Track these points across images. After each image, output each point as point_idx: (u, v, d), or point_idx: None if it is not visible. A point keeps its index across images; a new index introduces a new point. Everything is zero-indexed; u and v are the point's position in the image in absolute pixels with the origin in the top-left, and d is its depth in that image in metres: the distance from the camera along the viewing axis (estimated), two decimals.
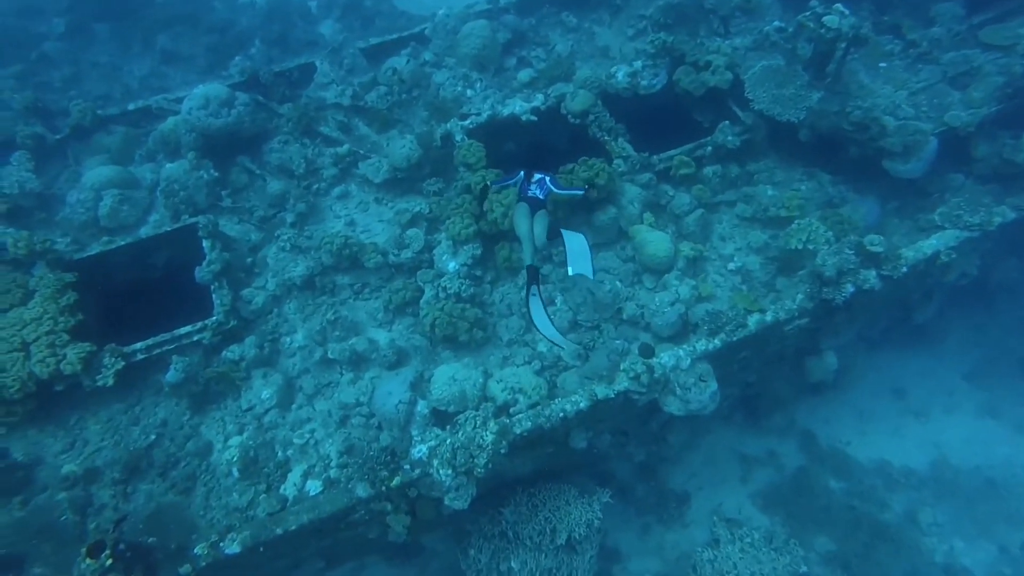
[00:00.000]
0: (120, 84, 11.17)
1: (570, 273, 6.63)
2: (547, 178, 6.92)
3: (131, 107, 8.80)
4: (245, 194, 8.33)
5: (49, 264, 7.01)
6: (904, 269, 6.51)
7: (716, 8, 9.08)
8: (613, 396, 6.32)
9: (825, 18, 7.15)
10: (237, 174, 8.37)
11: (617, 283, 7.32)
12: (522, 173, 7.00)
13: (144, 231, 7.82)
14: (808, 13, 7.41)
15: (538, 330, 6.40)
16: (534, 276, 6.44)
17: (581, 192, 7.20)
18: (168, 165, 8.12)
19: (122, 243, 7.58)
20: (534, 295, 6.41)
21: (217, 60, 11.11)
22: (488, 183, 7.34)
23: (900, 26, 8.93)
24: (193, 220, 7.63)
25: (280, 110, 8.69)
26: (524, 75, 9.13)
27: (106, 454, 6.21)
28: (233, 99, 8.18)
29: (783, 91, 7.77)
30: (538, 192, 6.82)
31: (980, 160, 7.62)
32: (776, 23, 8.63)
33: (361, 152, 8.42)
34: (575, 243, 6.73)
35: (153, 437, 6.45)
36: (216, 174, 8.10)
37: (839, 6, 7.27)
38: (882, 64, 8.27)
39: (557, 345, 6.55)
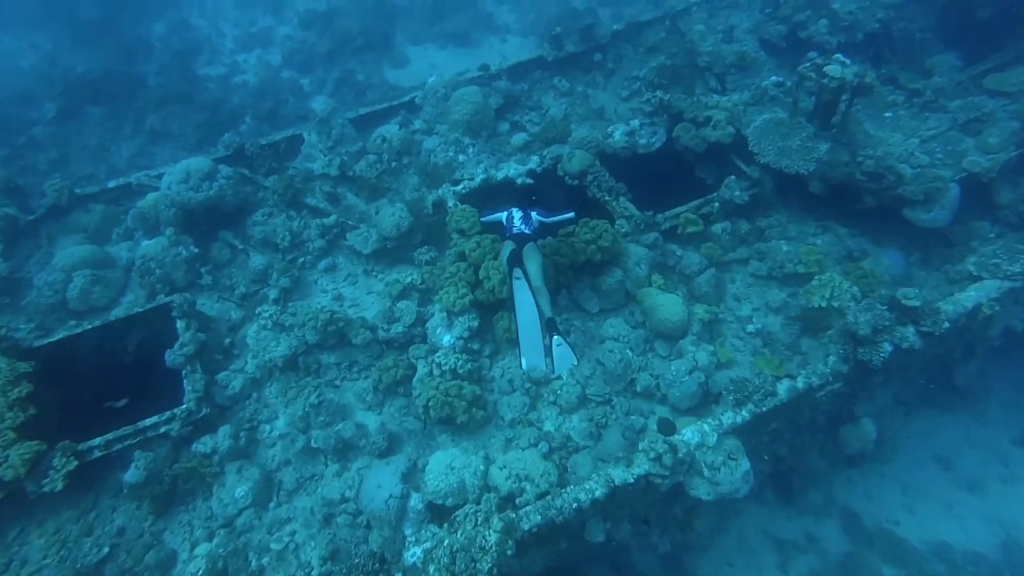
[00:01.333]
0: (107, 164, 10.97)
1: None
2: (533, 212, 6.73)
3: (111, 184, 8.48)
4: (227, 270, 7.86)
5: (3, 352, 6.39)
6: (946, 324, 5.90)
7: (711, 66, 8.96)
8: (632, 481, 5.56)
9: (827, 67, 6.91)
10: (219, 250, 7.93)
11: (628, 352, 6.68)
12: (505, 214, 6.82)
13: (116, 313, 7.28)
14: (808, 64, 7.19)
15: (514, 317, 6.07)
16: (517, 258, 6.10)
17: (572, 215, 6.92)
18: (144, 242, 7.70)
19: (89, 326, 7.00)
20: (519, 279, 6.02)
21: (206, 137, 10.97)
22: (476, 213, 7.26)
23: (897, 78, 8.80)
24: (167, 299, 7.10)
25: (265, 182, 8.35)
26: (518, 139, 8.89)
27: (47, 575, 5.36)
28: (215, 172, 7.86)
29: (789, 143, 7.45)
30: (524, 228, 6.57)
31: (1006, 207, 7.19)
32: (774, 78, 8.47)
33: (349, 222, 8.01)
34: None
35: (107, 550, 5.63)
36: (196, 250, 7.67)
37: (839, 56, 7.05)
38: (887, 114, 8.02)
39: (518, 350, 6.14)
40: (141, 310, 7.14)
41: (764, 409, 5.90)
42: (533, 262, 6.27)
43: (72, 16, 13.94)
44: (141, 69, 12.93)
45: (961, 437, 8.02)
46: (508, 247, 6.44)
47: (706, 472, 5.66)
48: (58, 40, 13.99)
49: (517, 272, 6.08)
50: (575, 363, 6.12)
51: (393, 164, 8.55)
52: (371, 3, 14.04)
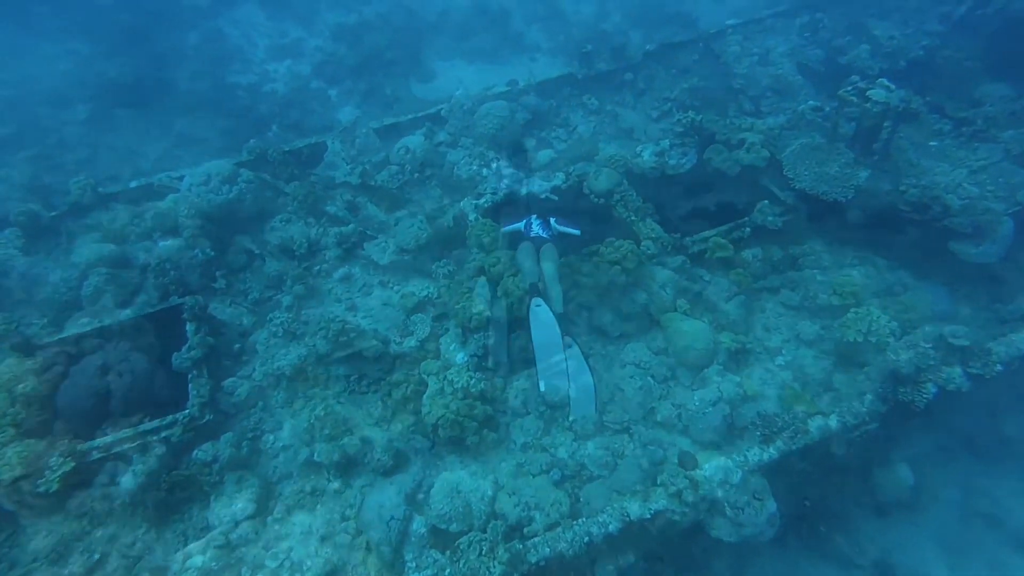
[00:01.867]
0: (132, 166, 11.02)
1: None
2: (552, 219, 7.04)
3: (133, 184, 8.47)
4: (242, 275, 7.73)
5: (13, 348, 6.30)
6: (998, 367, 5.47)
7: (745, 88, 8.71)
8: (649, 516, 5.21)
9: (870, 92, 6.61)
10: (235, 254, 7.81)
11: (649, 379, 6.36)
12: (524, 222, 7.04)
13: (128, 312, 7.17)
14: (850, 88, 6.89)
15: (531, 344, 6.27)
16: (535, 291, 6.31)
17: (578, 232, 7.03)
18: (161, 243, 7.63)
19: (100, 324, 6.89)
20: (539, 306, 6.19)
21: (232, 143, 10.95)
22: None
23: (943, 106, 8.44)
24: (179, 301, 6.97)
25: (286, 188, 8.26)
26: (544, 156, 8.70)
27: None
28: (236, 176, 7.79)
29: (826, 169, 7.13)
30: (542, 232, 6.89)
31: None
32: (811, 102, 8.17)
33: (368, 232, 7.85)
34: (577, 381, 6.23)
35: (97, 557, 5.40)
36: (212, 253, 7.56)
37: (884, 80, 6.75)
38: (932, 143, 7.66)
39: (537, 375, 6.26)
40: (152, 310, 7.01)
41: (794, 447, 5.52)
42: (549, 261, 6.53)
43: (112, 24, 14.24)
44: (173, 75, 13.07)
45: (1010, 492, 7.40)
46: (527, 247, 6.70)
47: (728, 512, 5.29)
48: (96, 47, 14.26)
49: (537, 300, 6.20)
50: (593, 412, 6.08)
51: (415, 176, 8.41)
52: (401, 19, 14.10)
